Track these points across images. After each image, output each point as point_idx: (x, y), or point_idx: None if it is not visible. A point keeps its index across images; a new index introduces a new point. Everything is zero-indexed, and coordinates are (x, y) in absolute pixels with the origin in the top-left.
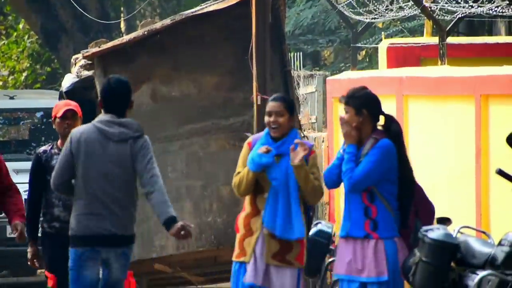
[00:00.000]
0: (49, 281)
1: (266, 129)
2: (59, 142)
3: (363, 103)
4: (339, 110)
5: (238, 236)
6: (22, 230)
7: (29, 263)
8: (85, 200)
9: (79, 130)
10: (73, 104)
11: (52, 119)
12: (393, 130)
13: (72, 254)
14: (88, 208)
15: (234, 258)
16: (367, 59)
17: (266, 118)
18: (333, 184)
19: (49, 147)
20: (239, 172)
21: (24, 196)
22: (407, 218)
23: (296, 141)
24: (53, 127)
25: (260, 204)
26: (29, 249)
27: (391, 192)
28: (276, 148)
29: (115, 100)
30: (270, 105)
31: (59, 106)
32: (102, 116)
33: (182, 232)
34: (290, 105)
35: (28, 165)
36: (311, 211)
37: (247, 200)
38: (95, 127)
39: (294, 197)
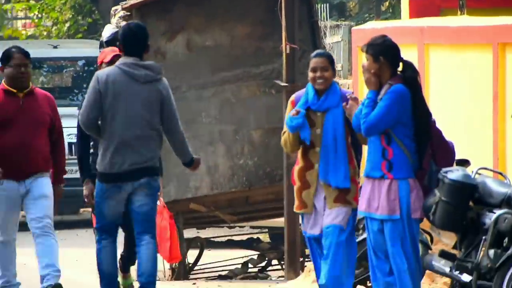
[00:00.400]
0: (94, 222)
1: (308, 85)
2: None
3: (381, 50)
4: (363, 59)
5: (296, 188)
6: (61, 194)
7: (86, 199)
8: (110, 139)
9: (104, 71)
10: (119, 51)
11: (99, 64)
12: (408, 75)
13: (97, 188)
14: (113, 146)
15: (295, 209)
16: (391, 10)
17: (311, 74)
18: (359, 128)
19: None
20: (285, 131)
21: (69, 139)
22: (422, 160)
23: (348, 95)
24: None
25: (313, 157)
26: (85, 187)
27: (407, 134)
28: (320, 104)
29: (136, 43)
30: (315, 61)
31: (106, 52)
32: (125, 59)
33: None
34: (332, 60)
35: (70, 111)
36: (360, 155)
37: (299, 154)
38: (121, 69)
39: (342, 149)
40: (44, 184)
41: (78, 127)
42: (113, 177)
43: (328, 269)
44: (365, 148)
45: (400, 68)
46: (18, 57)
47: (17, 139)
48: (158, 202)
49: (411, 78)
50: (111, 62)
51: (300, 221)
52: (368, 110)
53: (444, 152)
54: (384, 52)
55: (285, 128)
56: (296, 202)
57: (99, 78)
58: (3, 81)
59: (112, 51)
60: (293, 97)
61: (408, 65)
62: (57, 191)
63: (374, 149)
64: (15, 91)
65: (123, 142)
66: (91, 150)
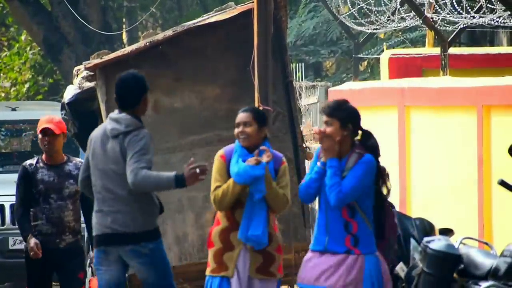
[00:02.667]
0: None
1: (237, 141)
2: (43, 156)
3: (349, 116)
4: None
5: (214, 251)
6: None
7: (33, 255)
8: (95, 198)
9: (96, 128)
10: (54, 121)
11: (38, 133)
12: (371, 144)
13: (94, 253)
14: (96, 206)
15: (210, 273)
16: (369, 70)
17: (235, 130)
18: (310, 198)
19: (35, 161)
20: (218, 186)
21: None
22: (384, 231)
23: (262, 147)
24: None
25: (239, 217)
26: (31, 242)
27: (369, 206)
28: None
29: (122, 95)
30: (239, 117)
31: (41, 121)
32: (112, 114)
33: (198, 170)
34: (260, 116)
35: None
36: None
37: (222, 214)
38: (104, 124)
39: (266, 209)
40: None
41: (17, 194)
42: (97, 240)
43: None
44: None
45: (358, 137)
46: None
47: None
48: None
49: (373, 148)
50: (42, 133)
51: (207, 286)
52: (337, 180)
53: (392, 222)
54: (352, 118)
55: (218, 183)
56: (213, 265)
57: (90, 137)
58: None
59: (46, 121)
60: (222, 151)
61: (370, 134)
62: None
63: (334, 222)
64: None
65: (102, 201)
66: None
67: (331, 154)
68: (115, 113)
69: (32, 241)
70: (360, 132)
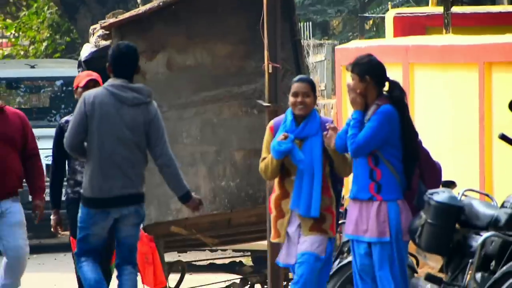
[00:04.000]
0: (73, 246)
1: (288, 111)
2: None
3: (366, 70)
4: (347, 78)
5: (272, 217)
6: (42, 210)
7: (52, 230)
8: (98, 162)
9: (91, 93)
10: (94, 75)
11: (74, 88)
12: (395, 95)
13: (83, 213)
14: (102, 170)
15: (272, 239)
16: (374, 29)
17: (292, 99)
18: (343, 148)
19: (71, 117)
20: (264, 158)
21: (46, 161)
22: (411, 181)
23: (328, 125)
24: (75, 96)
25: (289, 186)
26: (52, 217)
27: (395, 155)
28: (299, 132)
29: (125, 65)
30: (297, 86)
31: (81, 76)
32: (114, 81)
33: (199, 206)
34: (314, 86)
35: (48, 131)
36: (340, 185)
37: (276, 182)
38: (108, 91)
39: (318, 177)
40: (18, 211)
41: (53, 152)
42: (101, 203)
43: None
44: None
45: (386, 88)
46: None
47: None
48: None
49: (398, 98)
50: (86, 87)
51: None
52: (355, 131)
53: (431, 173)
54: (370, 71)
55: (265, 154)
56: (272, 231)
57: (86, 100)
58: None
59: (87, 75)
60: (272, 123)
61: (395, 85)
62: (37, 206)
63: (361, 170)
64: None
65: (111, 165)
66: (67, 176)
67: (356, 106)
68: (121, 81)
69: (56, 218)
70: (387, 83)
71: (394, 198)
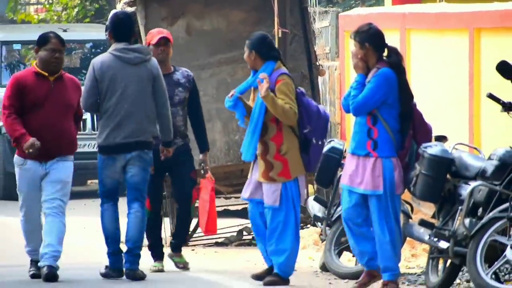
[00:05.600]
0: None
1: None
2: None
3: (366, 37)
4: (350, 44)
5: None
6: None
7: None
8: (109, 115)
9: (98, 59)
10: (165, 32)
11: (146, 45)
12: (392, 60)
13: (98, 159)
14: (111, 122)
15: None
16: None
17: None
18: (348, 109)
19: None
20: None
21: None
22: (405, 140)
23: (261, 75)
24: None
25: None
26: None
27: (392, 115)
28: (252, 82)
29: (125, 30)
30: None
31: (153, 33)
32: (116, 45)
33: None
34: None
35: None
36: (305, 129)
37: None
38: (113, 55)
39: (258, 124)
40: (62, 169)
41: None
42: (108, 149)
43: (276, 249)
44: (349, 126)
45: (385, 54)
46: (54, 42)
47: (46, 122)
48: (206, 175)
49: (395, 62)
50: (157, 44)
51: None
52: (356, 92)
53: (424, 133)
54: (369, 39)
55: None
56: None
57: (95, 66)
58: (35, 63)
59: (158, 32)
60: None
61: (393, 50)
62: None
63: (360, 128)
64: (46, 74)
65: (120, 118)
66: None
67: (358, 70)
68: (123, 45)
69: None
70: (386, 50)
71: (389, 155)
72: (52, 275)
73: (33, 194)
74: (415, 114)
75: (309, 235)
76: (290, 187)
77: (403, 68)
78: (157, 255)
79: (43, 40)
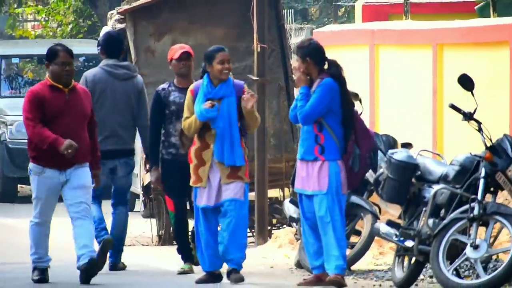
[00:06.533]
0: (169, 205)
1: (205, 77)
2: (175, 80)
3: (307, 52)
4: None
5: (192, 166)
6: (98, 179)
7: (153, 185)
8: (100, 125)
9: (91, 72)
10: (187, 47)
11: (169, 61)
12: (332, 71)
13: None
14: (102, 130)
15: (192, 184)
16: (346, 15)
17: (219, 66)
18: (296, 119)
19: (167, 85)
20: (187, 117)
21: None
22: (347, 145)
23: (245, 90)
24: (169, 67)
25: (209, 139)
26: (153, 173)
27: (336, 122)
28: (215, 92)
29: (116, 47)
30: (222, 55)
31: (175, 49)
32: (107, 61)
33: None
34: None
35: None
36: (245, 137)
37: (196, 136)
38: (104, 70)
39: (236, 132)
40: (82, 175)
41: (151, 115)
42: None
43: (232, 239)
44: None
45: (326, 66)
46: (63, 55)
47: (65, 132)
48: None
49: (336, 73)
50: (180, 59)
51: (193, 197)
52: (302, 103)
53: (366, 139)
54: (310, 53)
55: (187, 114)
56: (193, 178)
57: (87, 78)
58: (47, 76)
59: (180, 47)
60: (192, 87)
61: (333, 63)
62: (96, 176)
63: (308, 136)
64: (61, 86)
65: (109, 127)
66: (162, 138)
67: (301, 83)
68: (113, 61)
69: (156, 174)
70: (327, 62)
71: (335, 158)
72: (94, 269)
73: (52, 201)
74: (357, 121)
75: (285, 235)
76: (246, 188)
77: (344, 78)
78: (186, 257)
79: (52, 55)
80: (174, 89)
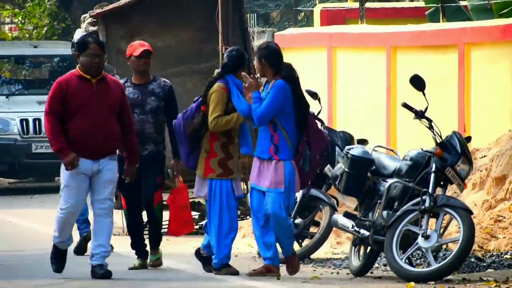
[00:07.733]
0: (123, 200)
1: (232, 76)
2: (133, 77)
3: (263, 54)
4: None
5: (216, 160)
6: (134, 174)
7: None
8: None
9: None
10: (146, 45)
11: (127, 57)
12: (285, 74)
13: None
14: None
15: (218, 177)
16: (305, 19)
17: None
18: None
19: (124, 81)
20: (219, 115)
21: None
22: (298, 145)
23: (243, 75)
24: (128, 63)
25: (233, 133)
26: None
27: (289, 123)
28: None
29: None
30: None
31: (135, 45)
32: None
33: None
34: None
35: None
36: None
37: (218, 147)
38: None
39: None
40: (113, 169)
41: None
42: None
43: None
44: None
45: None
46: (93, 47)
47: (91, 122)
48: (176, 179)
49: (289, 76)
50: (140, 56)
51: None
52: (256, 106)
53: (318, 140)
54: (265, 56)
55: (221, 111)
56: (219, 171)
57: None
58: (78, 67)
59: (140, 45)
60: (223, 85)
61: (286, 66)
62: (131, 171)
63: (264, 135)
64: (89, 77)
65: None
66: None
67: (252, 88)
68: None
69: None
70: (281, 65)
71: (288, 158)
72: (106, 275)
73: (83, 188)
74: (309, 122)
75: (248, 226)
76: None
77: (298, 80)
78: (138, 253)
79: (83, 46)
80: (129, 85)
